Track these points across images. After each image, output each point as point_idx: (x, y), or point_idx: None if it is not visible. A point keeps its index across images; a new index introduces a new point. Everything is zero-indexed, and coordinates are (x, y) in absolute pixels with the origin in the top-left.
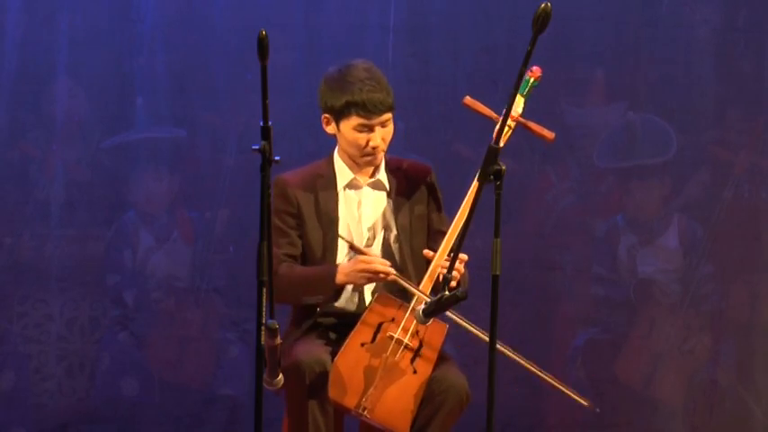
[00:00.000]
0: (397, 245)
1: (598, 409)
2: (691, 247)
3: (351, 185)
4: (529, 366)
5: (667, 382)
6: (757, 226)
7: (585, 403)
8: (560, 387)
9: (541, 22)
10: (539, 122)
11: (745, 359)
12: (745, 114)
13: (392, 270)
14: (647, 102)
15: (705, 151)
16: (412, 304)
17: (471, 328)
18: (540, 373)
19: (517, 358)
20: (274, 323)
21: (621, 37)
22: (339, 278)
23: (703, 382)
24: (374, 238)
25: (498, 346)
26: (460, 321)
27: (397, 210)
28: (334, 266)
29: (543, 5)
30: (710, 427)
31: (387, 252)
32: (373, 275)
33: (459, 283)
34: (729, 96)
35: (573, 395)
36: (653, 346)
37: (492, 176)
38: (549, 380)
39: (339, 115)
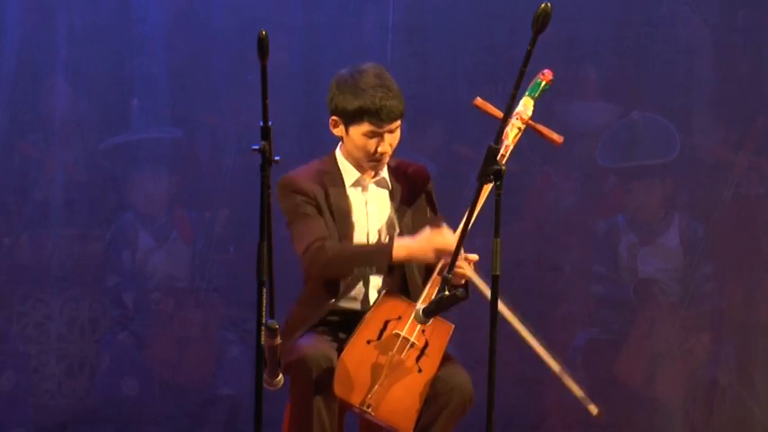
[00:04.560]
0: None
1: (602, 416)
2: (691, 246)
3: (357, 184)
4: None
5: (667, 381)
6: (757, 226)
7: (595, 412)
8: (571, 386)
9: (541, 21)
10: (537, 122)
11: (744, 359)
12: (745, 114)
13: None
14: (646, 102)
15: (705, 151)
16: (418, 303)
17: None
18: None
19: (540, 351)
20: (274, 323)
21: (621, 37)
22: (398, 253)
23: (703, 382)
24: (379, 235)
25: (527, 336)
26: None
27: (399, 208)
28: (389, 243)
29: (543, 5)
30: (710, 427)
31: None
32: (447, 255)
33: (466, 283)
34: (729, 96)
35: (581, 397)
36: (653, 345)
37: (492, 177)
38: (562, 375)
39: (350, 120)
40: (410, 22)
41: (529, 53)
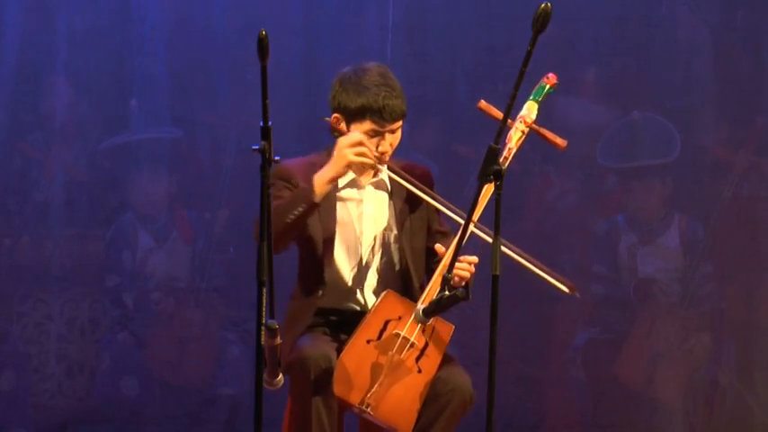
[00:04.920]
0: (397, 245)
1: (578, 294)
2: (691, 246)
3: (352, 184)
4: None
5: (667, 381)
6: (757, 226)
7: (566, 289)
8: (541, 273)
9: (541, 22)
10: (538, 122)
11: (744, 359)
12: (745, 114)
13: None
14: (646, 102)
15: (705, 151)
16: (419, 303)
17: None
18: (516, 256)
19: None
20: (274, 323)
21: (621, 37)
22: (319, 177)
23: (703, 382)
24: (375, 237)
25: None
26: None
27: (397, 210)
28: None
29: (543, 5)
30: (710, 427)
31: (387, 251)
32: (363, 152)
33: (467, 284)
34: (729, 96)
35: (554, 281)
36: (653, 345)
37: (492, 177)
38: (528, 263)
39: (352, 117)
40: (410, 22)
41: (529, 53)
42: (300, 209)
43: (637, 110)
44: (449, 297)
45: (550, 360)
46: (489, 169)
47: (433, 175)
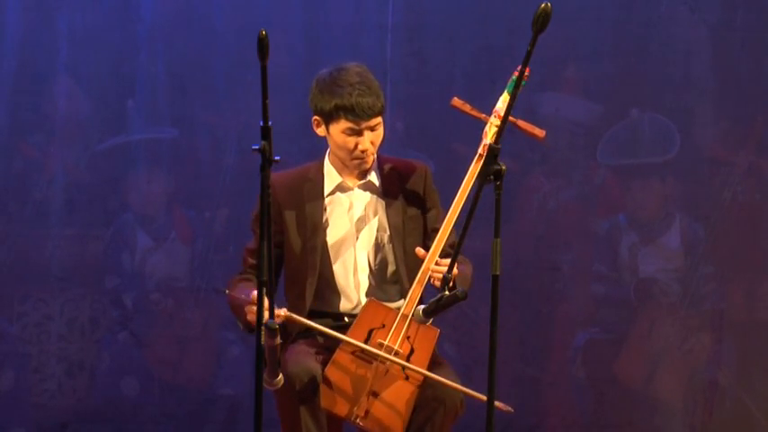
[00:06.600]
0: (390, 245)
1: (512, 410)
2: (691, 246)
3: (340, 188)
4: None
5: (667, 382)
6: (757, 226)
7: (510, 409)
8: (468, 392)
9: (541, 22)
10: (538, 122)
11: (744, 359)
12: (745, 114)
13: (281, 312)
14: (646, 102)
15: (705, 152)
16: (402, 310)
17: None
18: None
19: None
20: (274, 323)
21: (621, 37)
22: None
23: (703, 382)
24: (365, 239)
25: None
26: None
27: (389, 210)
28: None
29: (543, 5)
30: (710, 427)
31: (381, 252)
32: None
33: (455, 284)
34: (728, 95)
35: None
36: (653, 345)
37: (492, 176)
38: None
39: (328, 118)
40: (410, 22)
41: (529, 53)
42: (240, 322)
43: (636, 109)
44: (448, 297)
45: (550, 360)
46: (489, 169)
47: (433, 173)
